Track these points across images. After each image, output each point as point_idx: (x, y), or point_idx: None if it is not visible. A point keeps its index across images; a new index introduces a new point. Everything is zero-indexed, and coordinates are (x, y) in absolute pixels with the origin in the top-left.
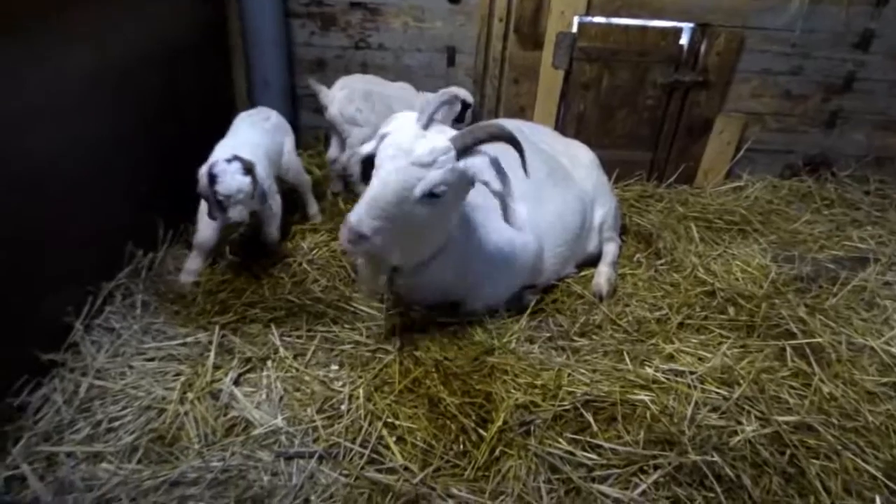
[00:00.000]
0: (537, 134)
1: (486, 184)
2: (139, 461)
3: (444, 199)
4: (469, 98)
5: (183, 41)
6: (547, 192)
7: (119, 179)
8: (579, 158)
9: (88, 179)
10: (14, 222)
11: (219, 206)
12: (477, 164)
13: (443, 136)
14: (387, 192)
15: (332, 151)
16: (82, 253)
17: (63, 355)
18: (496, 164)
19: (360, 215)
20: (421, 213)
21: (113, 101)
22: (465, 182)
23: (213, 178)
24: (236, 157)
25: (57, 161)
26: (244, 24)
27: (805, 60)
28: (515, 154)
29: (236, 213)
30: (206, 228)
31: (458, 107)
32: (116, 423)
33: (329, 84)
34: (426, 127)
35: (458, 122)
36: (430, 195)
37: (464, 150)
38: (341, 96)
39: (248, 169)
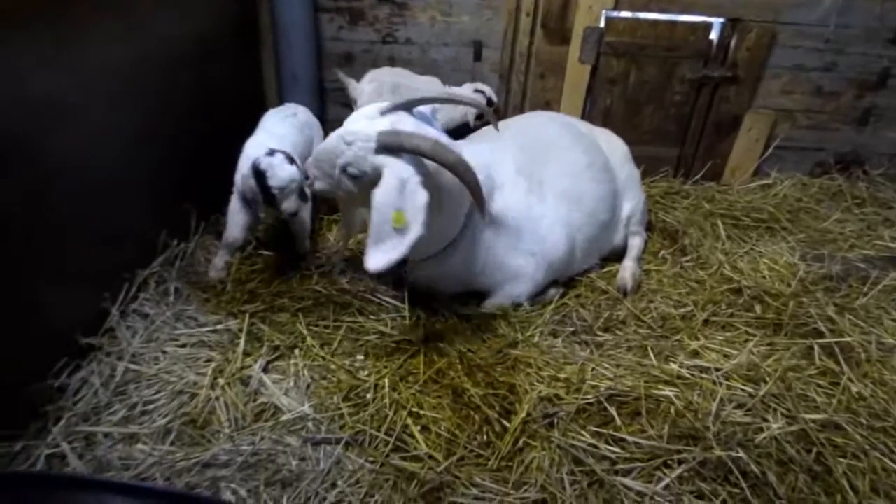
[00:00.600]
0: (576, 125)
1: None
2: (172, 443)
3: (364, 182)
4: (493, 95)
5: (215, 36)
6: (584, 187)
7: (153, 171)
8: (616, 148)
9: (124, 170)
10: (57, 211)
11: (271, 200)
12: (393, 167)
13: (380, 125)
14: (319, 152)
15: None
16: (119, 241)
17: (100, 339)
18: (402, 186)
19: (310, 161)
20: (348, 186)
21: (148, 96)
22: (377, 178)
23: (260, 174)
24: (274, 150)
25: (94, 151)
26: (274, 19)
27: (838, 56)
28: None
29: (291, 204)
30: (234, 228)
31: (483, 101)
32: (150, 406)
33: (358, 77)
34: (385, 113)
35: (481, 119)
36: (348, 172)
37: (384, 148)
38: (370, 90)
39: (292, 159)
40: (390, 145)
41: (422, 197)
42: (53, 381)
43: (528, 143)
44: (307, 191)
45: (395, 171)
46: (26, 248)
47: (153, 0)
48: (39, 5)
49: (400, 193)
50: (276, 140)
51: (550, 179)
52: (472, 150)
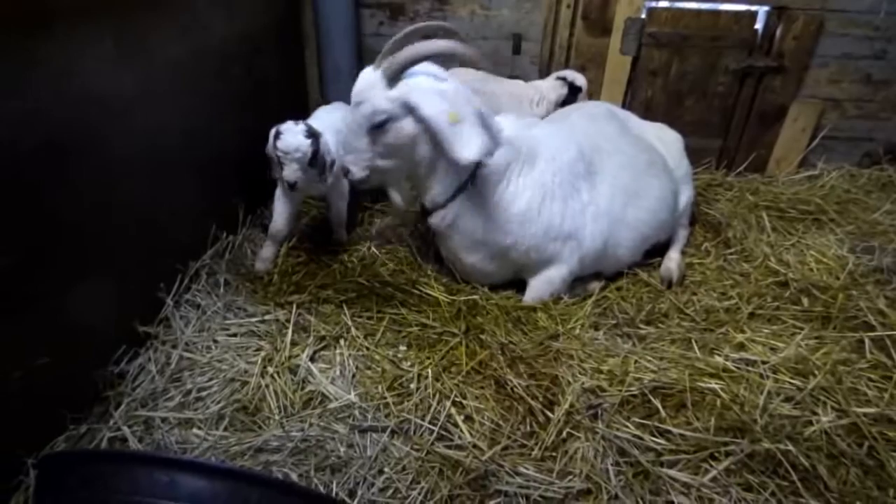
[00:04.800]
0: (631, 120)
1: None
2: (226, 428)
3: (392, 126)
4: (579, 81)
5: (262, 33)
6: (644, 184)
7: (205, 166)
8: (670, 143)
9: (179, 165)
10: (120, 204)
11: (279, 163)
12: (414, 86)
13: (373, 72)
14: (345, 135)
15: None
16: (173, 233)
17: (156, 328)
18: (433, 90)
19: (343, 152)
20: (386, 149)
21: (201, 93)
22: (407, 108)
23: (277, 134)
24: (306, 124)
25: (153, 146)
26: (317, 17)
27: (889, 44)
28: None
29: (290, 173)
30: (279, 218)
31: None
32: (204, 393)
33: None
34: (376, 69)
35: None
36: (375, 126)
37: (393, 77)
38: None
39: (313, 135)
40: (395, 70)
41: (450, 85)
42: (114, 368)
43: (594, 132)
44: (333, 176)
45: (418, 86)
46: (91, 241)
47: (205, 0)
48: (105, 6)
49: (437, 96)
50: (320, 123)
51: (610, 170)
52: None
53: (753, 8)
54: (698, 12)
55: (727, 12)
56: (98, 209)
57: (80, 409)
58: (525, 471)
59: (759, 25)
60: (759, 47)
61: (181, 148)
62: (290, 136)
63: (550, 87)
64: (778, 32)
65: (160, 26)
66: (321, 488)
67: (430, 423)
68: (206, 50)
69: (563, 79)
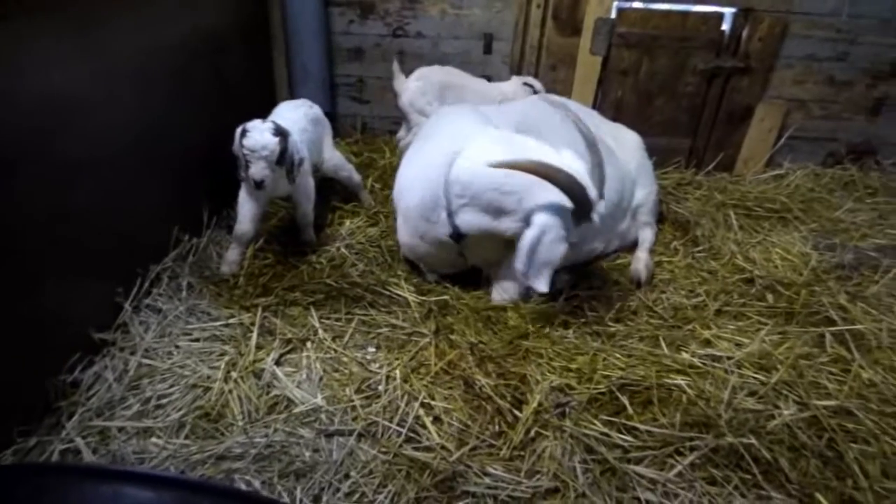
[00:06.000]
0: (582, 111)
1: None
2: (187, 436)
3: None
4: (537, 86)
5: (228, 31)
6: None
7: (167, 166)
8: (625, 140)
9: (138, 165)
10: (72, 205)
11: (245, 162)
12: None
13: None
14: None
15: (402, 132)
16: (131, 236)
17: (113, 335)
18: None
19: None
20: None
21: (162, 91)
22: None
23: (244, 132)
24: (273, 122)
25: (110, 146)
26: (285, 14)
27: (851, 46)
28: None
29: (257, 171)
30: (245, 219)
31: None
32: (164, 401)
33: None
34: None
35: None
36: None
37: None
38: (414, 87)
39: (281, 133)
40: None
41: None
42: (67, 377)
43: (535, 115)
44: (300, 176)
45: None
46: (42, 243)
47: None
48: (58, 5)
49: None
50: (286, 122)
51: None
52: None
53: (721, 9)
54: (667, 13)
55: (695, 13)
56: (50, 211)
57: (28, 421)
58: (493, 471)
59: (726, 27)
60: (726, 48)
61: (141, 148)
62: (258, 134)
63: (513, 90)
64: (744, 34)
65: (119, 21)
66: (285, 495)
67: (398, 425)
68: (168, 47)
69: (531, 86)
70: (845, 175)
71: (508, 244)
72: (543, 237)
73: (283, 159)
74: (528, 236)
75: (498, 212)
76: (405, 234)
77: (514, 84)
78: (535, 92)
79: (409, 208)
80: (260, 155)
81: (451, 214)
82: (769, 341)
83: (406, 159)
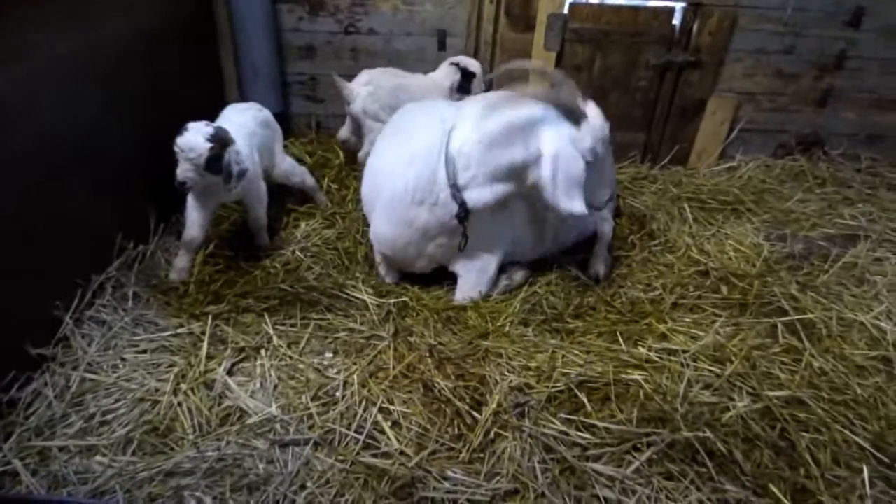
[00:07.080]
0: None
1: None
2: (133, 453)
3: None
4: (472, 66)
5: (167, 28)
6: None
7: (105, 171)
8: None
9: (72, 171)
10: (1, 213)
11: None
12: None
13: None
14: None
15: (343, 132)
16: (69, 245)
17: (53, 350)
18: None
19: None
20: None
21: (96, 92)
22: None
23: (182, 130)
24: (217, 128)
25: (38, 152)
26: (231, 11)
27: (797, 39)
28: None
29: (181, 171)
30: (193, 225)
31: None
32: (110, 416)
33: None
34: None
35: (463, 92)
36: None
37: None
38: (366, 93)
39: (221, 141)
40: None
41: None
42: (2, 396)
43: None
44: (250, 182)
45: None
46: None
47: None
48: None
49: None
50: (233, 127)
51: None
52: None
53: (671, 4)
54: (618, 8)
55: (646, 8)
56: None
57: None
58: (453, 475)
59: (676, 21)
60: (677, 43)
61: (73, 153)
62: (191, 135)
63: (444, 76)
64: (694, 28)
65: (45, 19)
66: None
67: (355, 431)
68: (100, 46)
69: (456, 65)
70: (795, 166)
71: (513, 214)
72: (558, 159)
73: (217, 167)
74: (546, 162)
75: (509, 169)
76: (387, 225)
77: (443, 69)
78: (464, 70)
79: (393, 197)
80: (187, 156)
81: (456, 192)
82: (723, 333)
83: (376, 154)
